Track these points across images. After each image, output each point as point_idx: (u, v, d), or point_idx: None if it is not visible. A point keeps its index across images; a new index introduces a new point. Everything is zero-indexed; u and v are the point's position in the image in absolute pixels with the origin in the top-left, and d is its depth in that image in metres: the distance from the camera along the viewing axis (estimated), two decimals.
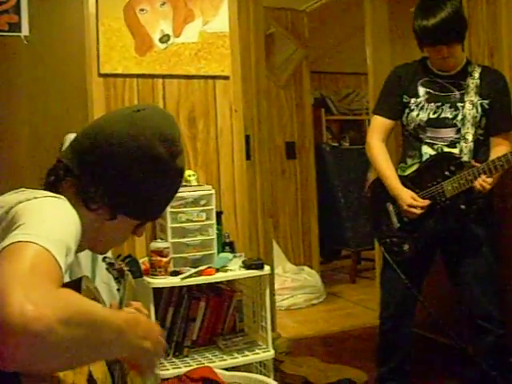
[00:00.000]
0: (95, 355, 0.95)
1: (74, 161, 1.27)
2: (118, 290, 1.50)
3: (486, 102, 2.56)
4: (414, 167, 2.64)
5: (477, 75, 2.58)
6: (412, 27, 2.56)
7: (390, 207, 2.67)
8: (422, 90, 2.63)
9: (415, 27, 2.51)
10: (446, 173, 2.51)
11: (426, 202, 2.53)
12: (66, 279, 1.21)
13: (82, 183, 1.24)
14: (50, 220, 1.03)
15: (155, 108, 1.44)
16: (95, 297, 1.25)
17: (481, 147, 2.58)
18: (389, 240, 2.68)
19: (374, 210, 2.79)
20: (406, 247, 2.62)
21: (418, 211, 2.53)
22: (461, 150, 2.53)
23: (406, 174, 2.66)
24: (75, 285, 1.16)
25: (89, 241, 1.25)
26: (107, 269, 1.54)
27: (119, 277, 1.53)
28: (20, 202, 1.06)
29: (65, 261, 0.96)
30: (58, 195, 1.14)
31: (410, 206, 2.54)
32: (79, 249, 1.13)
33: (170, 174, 1.32)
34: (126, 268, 1.53)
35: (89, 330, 0.87)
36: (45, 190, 1.25)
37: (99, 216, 1.26)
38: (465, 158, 2.51)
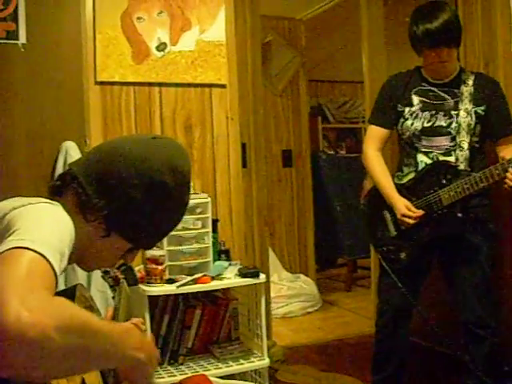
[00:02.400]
0: (89, 365, 0.95)
1: (83, 170, 1.28)
2: (113, 297, 1.50)
3: (481, 108, 2.57)
4: (411, 176, 2.65)
5: (470, 82, 2.60)
6: (409, 33, 2.57)
7: (387, 215, 2.68)
8: (415, 99, 2.64)
9: (415, 32, 2.52)
10: (443, 181, 2.52)
11: (420, 213, 2.53)
12: (62, 286, 1.22)
13: (85, 193, 1.24)
14: (45, 225, 1.04)
15: (171, 139, 1.46)
16: (90, 305, 1.26)
17: (477, 155, 2.58)
18: (385, 248, 2.69)
19: (370, 218, 2.80)
20: (402, 255, 2.63)
21: (412, 221, 2.54)
22: (457, 159, 2.54)
23: (402, 182, 2.67)
24: (69, 293, 1.17)
25: (79, 253, 1.24)
26: (102, 277, 1.54)
27: (114, 285, 1.53)
28: (14, 208, 1.07)
29: (59, 266, 0.97)
30: (52, 201, 1.15)
31: (404, 215, 2.55)
32: (69, 261, 1.13)
33: (172, 204, 1.33)
34: (121, 276, 1.53)
35: (83, 339, 0.87)
36: (49, 193, 1.26)
37: (94, 229, 1.25)
38: (461, 167, 2.52)
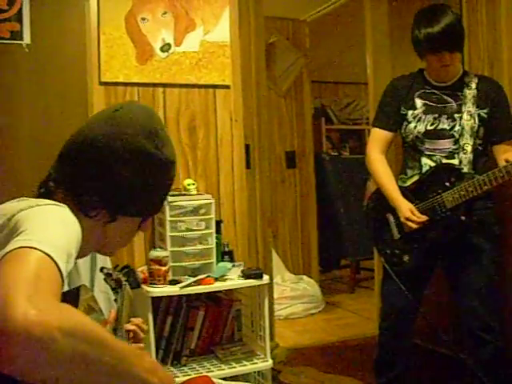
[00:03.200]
0: (96, 377, 0.90)
1: (63, 172, 1.27)
2: (116, 300, 1.50)
3: (485, 111, 2.56)
4: (415, 178, 2.65)
5: (474, 85, 2.59)
6: (412, 37, 2.57)
7: (391, 218, 2.67)
8: (419, 102, 2.64)
9: (417, 35, 2.51)
10: (447, 184, 2.51)
11: (424, 218, 2.52)
12: (65, 288, 1.22)
13: (74, 193, 1.23)
14: (52, 227, 1.03)
15: (132, 104, 1.43)
16: (93, 306, 1.25)
17: (480, 158, 2.58)
18: (389, 251, 2.68)
19: (374, 221, 2.79)
20: (406, 258, 2.62)
21: (415, 226, 2.53)
22: (460, 161, 2.54)
23: (406, 185, 2.67)
24: (73, 294, 1.17)
25: (95, 245, 1.26)
26: (105, 279, 1.54)
27: (117, 287, 1.53)
28: (22, 210, 1.07)
29: (65, 267, 0.96)
30: (59, 203, 1.15)
31: (408, 219, 2.54)
32: (86, 253, 1.12)
33: (159, 165, 1.30)
34: (123, 278, 1.53)
35: (90, 347, 0.86)
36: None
37: (99, 221, 1.26)
38: (465, 169, 2.52)
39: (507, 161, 2.37)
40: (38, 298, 0.83)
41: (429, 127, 2.59)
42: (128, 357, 0.94)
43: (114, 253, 1.42)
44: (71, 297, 1.15)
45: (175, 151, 1.38)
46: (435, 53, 2.51)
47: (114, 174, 1.25)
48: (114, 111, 1.31)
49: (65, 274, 0.95)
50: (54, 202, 1.14)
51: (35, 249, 0.92)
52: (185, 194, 2.98)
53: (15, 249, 0.92)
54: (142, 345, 1.47)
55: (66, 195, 1.24)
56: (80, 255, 1.19)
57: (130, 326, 1.43)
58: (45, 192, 1.25)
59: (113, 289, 1.53)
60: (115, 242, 1.35)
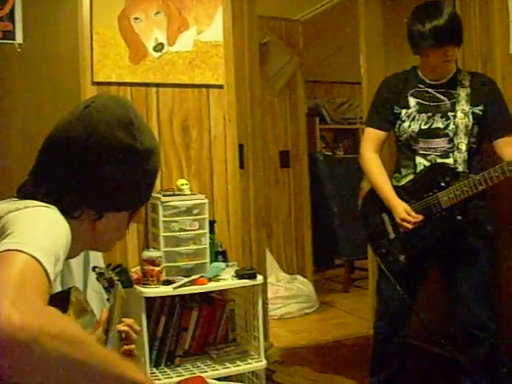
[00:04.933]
0: (80, 380, 0.89)
1: (42, 175, 1.25)
2: (108, 299, 1.50)
3: (479, 108, 2.56)
4: (409, 177, 2.64)
5: (467, 83, 2.59)
6: (411, 33, 2.54)
7: (386, 218, 2.67)
8: (412, 101, 2.63)
9: (420, 30, 2.47)
10: (442, 184, 2.50)
11: (419, 218, 2.52)
12: (58, 288, 1.21)
13: (55, 197, 1.20)
14: (40, 229, 1.03)
15: (103, 97, 1.37)
16: (84, 307, 1.25)
17: (474, 156, 2.57)
18: (384, 250, 2.68)
19: (369, 221, 2.79)
20: (401, 258, 2.62)
21: (410, 226, 2.53)
22: (455, 160, 2.53)
23: (400, 184, 2.66)
24: (64, 296, 1.16)
25: (87, 243, 1.25)
26: (97, 279, 1.53)
27: (109, 287, 1.52)
28: (10, 212, 1.06)
29: (53, 270, 0.96)
30: (48, 205, 1.14)
31: (403, 219, 2.54)
32: (77, 252, 1.11)
33: (139, 156, 1.27)
34: (115, 278, 1.52)
35: (74, 349, 0.85)
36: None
37: (86, 219, 1.24)
38: (459, 169, 2.51)
39: (503, 160, 2.36)
40: (22, 302, 0.82)
41: (423, 126, 2.59)
42: (112, 359, 0.95)
43: (110, 248, 1.40)
44: (62, 298, 1.14)
45: (155, 137, 1.36)
46: (440, 47, 2.47)
47: (93, 172, 1.23)
48: (85, 108, 1.27)
49: (52, 276, 0.94)
50: (42, 204, 1.13)
51: (22, 252, 0.91)
52: (178, 194, 2.97)
53: (1, 252, 0.91)
54: (133, 346, 1.46)
55: (46, 197, 1.20)
56: (72, 255, 1.19)
57: (122, 327, 1.42)
58: (25, 196, 1.21)
59: (105, 288, 1.52)
60: (108, 238, 1.33)
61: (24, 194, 1.23)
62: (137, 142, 1.26)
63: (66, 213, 1.19)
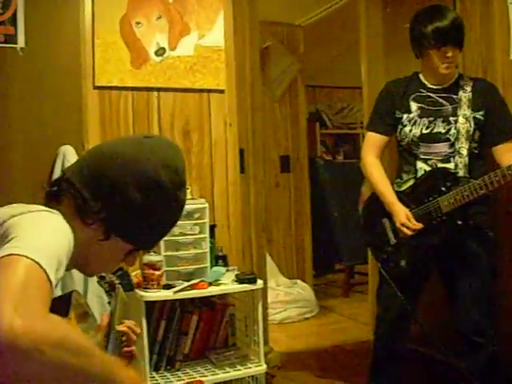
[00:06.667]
0: None
1: (78, 175, 1.27)
2: (109, 303, 1.50)
3: (480, 113, 2.56)
4: (410, 182, 2.64)
5: (469, 88, 2.59)
6: (414, 34, 2.57)
7: (387, 223, 2.66)
8: (414, 106, 2.64)
9: (421, 31, 2.51)
10: (442, 188, 2.50)
11: (419, 226, 2.52)
12: (58, 292, 1.21)
13: (81, 197, 1.23)
14: (43, 234, 1.03)
15: (164, 138, 1.47)
16: (85, 311, 1.25)
17: (476, 161, 2.57)
18: (385, 256, 2.68)
19: (369, 226, 2.78)
20: (403, 263, 2.61)
21: (410, 232, 2.53)
22: (456, 165, 2.53)
23: (401, 189, 2.66)
24: (65, 300, 1.16)
25: (80, 259, 1.23)
26: (98, 282, 1.53)
27: (110, 290, 1.53)
28: (14, 216, 1.07)
29: (55, 275, 0.96)
30: (51, 210, 1.14)
31: (404, 225, 2.54)
32: (68, 267, 1.12)
33: (169, 203, 1.31)
34: (116, 281, 1.52)
35: (76, 357, 0.86)
36: (46, 199, 1.25)
37: (93, 233, 1.25)
38: (460, 173, 2.51)
39: (495, 173, 2.36)
40: (24, 307, 0.83)
41: (424, 131, 2.59)
42: (112, 367, 0.96)
43: (94, 273, 1.41)
44: (63, 302, 1.15)
45: (186, 193, 1.40)
46: (442, 47, 2.49)
47: (124, 193, 1.25)
48: (145, 137, 1.33)
49: (54, 281, 0.95)
50: (45, 209, 1.13)
51: (24, 256, 0.92)
52: None
53: (4, 256, 0.92)
54: (134, 347, 1.46)
55: (73, 198, 1.24)
56: (67, 268, 1.18)
57: (122, 328, 1.43)
58: (56, 190, 1.26)
59: (106, 291, 1.52)
60: (99, 262, 1.33)
61: (57, 188, 1.26)
62: (174, 189, 1.30)
63: (80, 215, 1.21)
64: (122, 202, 1.25)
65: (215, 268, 2.97)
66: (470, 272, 2.56)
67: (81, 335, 0.92)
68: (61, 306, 1.09)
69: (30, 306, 0.84)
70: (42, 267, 0.92)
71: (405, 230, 2.53)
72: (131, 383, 0.99)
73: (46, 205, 1.19)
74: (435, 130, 2.58)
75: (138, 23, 3.10)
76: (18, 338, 0.79)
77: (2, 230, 1.03)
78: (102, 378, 0.92)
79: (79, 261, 1.25)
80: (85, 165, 1.29)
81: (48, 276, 0.93)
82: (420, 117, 2.61)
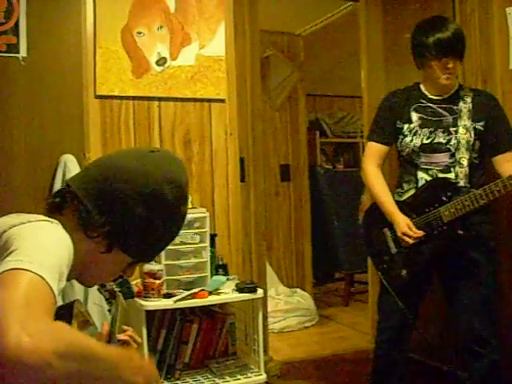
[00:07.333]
0: None
1: (82, 187, 1.27)
2: (109, 311, 1.50)
3: (480, 124, 2.57)
4: (411, 192, 2.65)
5: (469, 99, 2.60)
6: (415, 45, 2.59)
7: (388, 232, 2.66)
8: (414, 116, 2.65)
9: (423, 41, 2.53)
10: (443, 198, 2.51)
11: (420, 234, 2.52)
12: (59, 302, 1.21)
13: (85, 210, 1.23)
14: (44, 245, 1.03)
15: (169, 152, 1.47)
16: (86, 320, 1.25)
17: (476, 171, 2.58)
18: (386, 265, 2.68)
19: (370, 235, 2.78)
20: (403, 272, 2.61)
21: (411, 241, 2.53)
22: (456, 175, 2.54)
23: (402, 199, 2.67)
24: (67, 309, 1.17)
25: (79, 270, 1.24)
26: (98, 290, 1.54)
27: (110, 298, 1.53)
28: (13, 226, 1.07)
29: (57, 286, 0.96)
30: (51, 219, 1.14)
31: (405, 234, 2.54)
32: (69, 277, 1.12)
33: (172, 217, 1.33)
34: (117, 289, 1.53)
35: (84, 365, 0.87)
36: (48, 210, 1.26)
37: (95, 245, 1.25)
38: (461, 183, 2.52)
39: (495, 183, 2.37)
40: (31, 322, 0.83)
41: (425, 141, 2.60)
42: (118, 363, 0.97)
43: (93, 284, 1.41)
44: (65, 311, 1.15)
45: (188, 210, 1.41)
46: (442, 58, 2.51)
47: (128, 207, 1.25)
48: (150, 151, 1.34)
49: (57, 293, 0.95)
50: (45, 218, 1.13)
51: (27, 270, 0.92)
52: None
53: (6, 270, 0.92)
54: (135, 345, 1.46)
55: (76, 210, 1.24)
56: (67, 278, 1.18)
57: (123, 337, 1.43)
58: (59, 201, 1.26)
59: (106, 299, 1.53)
60: (98, 274, 1.33)
61: (60, 198, 1.27)
62: (177, 203, 1.32)
63: (83, 227, 1.22)
64: (126, 217, 1.25)
65: (215, 277, 2.97)
66: (472, 281, 2.56)
67: (84, 338, 0.93)
68: (63, 315, 1.09)
69: (36, 320, 0.84)
70: (44, 280, 0.93)
71: (406, 238, 2.54)
72: (134, 371, 1.01)
73: (47, 215, 1.19)
74: (436, 141, 2.59)
75: (139, 33, 3.12)
76: (26, 355, 0.79)
77: (3, 241, 1.04)
78: (110, 377, 0.94)
79: (79, 271, 1.25)
80: (89, 177, 1.30)
81: (51, 288, 0.93)
82: (421, 127, 2.62)
